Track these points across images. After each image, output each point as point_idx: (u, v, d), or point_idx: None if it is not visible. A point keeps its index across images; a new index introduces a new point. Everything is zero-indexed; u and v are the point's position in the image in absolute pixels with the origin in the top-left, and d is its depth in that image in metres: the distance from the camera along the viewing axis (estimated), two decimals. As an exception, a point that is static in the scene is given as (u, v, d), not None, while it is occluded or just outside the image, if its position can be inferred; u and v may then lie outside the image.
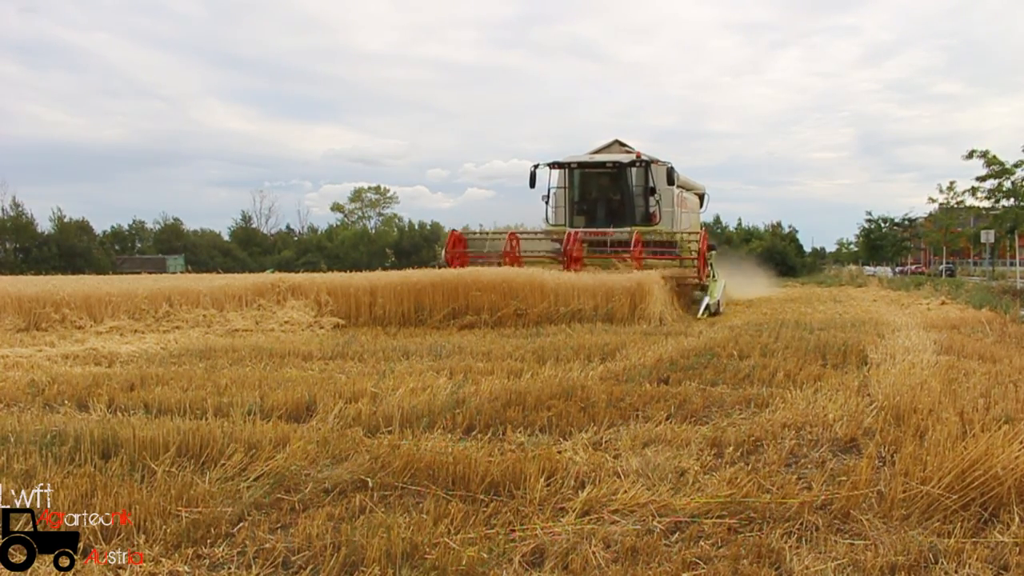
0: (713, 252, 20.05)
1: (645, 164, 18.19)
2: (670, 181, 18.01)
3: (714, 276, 18.26)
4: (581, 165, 18.92)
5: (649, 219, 18.12)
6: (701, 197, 24.45)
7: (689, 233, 18.27)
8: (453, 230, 18.58)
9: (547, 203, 19.14)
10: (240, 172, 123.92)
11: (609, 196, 18.83)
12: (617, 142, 20.19)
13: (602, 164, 18.64)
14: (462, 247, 17.90)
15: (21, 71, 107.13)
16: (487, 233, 18.45)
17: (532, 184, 18.83)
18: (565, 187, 19.03)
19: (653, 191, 18.14)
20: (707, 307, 15.71)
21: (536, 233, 18.62)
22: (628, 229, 17.14)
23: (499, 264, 16.26)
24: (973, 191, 44.35)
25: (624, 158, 18.47)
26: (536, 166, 18.73)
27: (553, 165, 18.70)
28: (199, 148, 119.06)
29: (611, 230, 17.72)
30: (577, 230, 17.52)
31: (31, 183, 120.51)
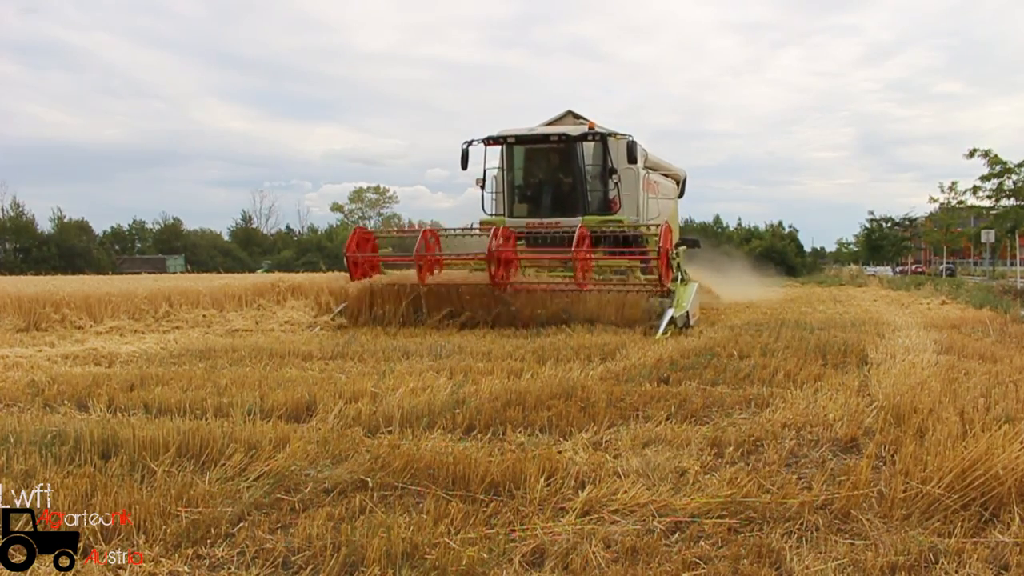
0: (682, 249, 16.70)
1: (600, 138, 14.52)
2: (631, 159, 14.59)
3: (682, 279, 13.76)
4: (520, 140, 14.94)
5: (608, 207, 14.70)
6: (681, 182, 21.12)
7: (649, 226, 14.27)
8: (358, 227, 15.07)
9: (483, 188, 15.36)
10: (240, 172, 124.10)
11: (557, 178, 15.04)
12: (570, 113, 16.22)
13: (546, 138, 14.77)
14: (369, 249, 14.17)
15: (21, 71, 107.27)
16: (414, 228, 14.87)
17: (464, 165, 15.16)
18: (503, 168, 15.23)
19: (613, 172, 14.65)
20: (672, 322, 11.59)
21: (464, 230, 14.48)
22: (580, 220, 13.73)
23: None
24: (975, 190, 44.42)
25: (573, 130, 14.65)
26: (468, 143, 14.97)
27: (489, 141, 14.89)
28: (199, 148, 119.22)
29: (557, 220, 14.18)
30: (505, 225, 13.58)
31: (31, 183, 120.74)
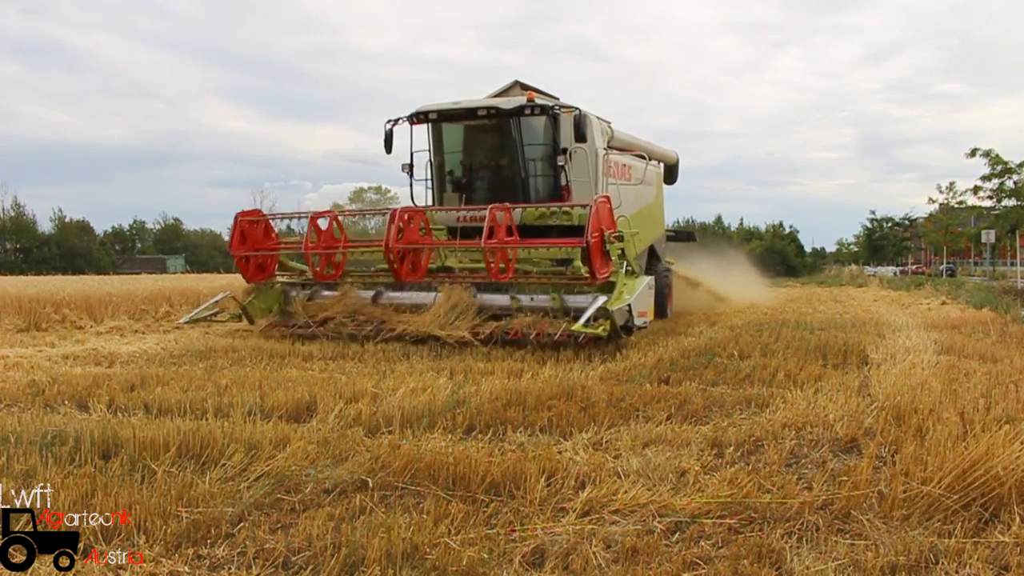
0: (620, 241, 11.32)
1: (543, 111, 11.80)
2: (579, 136, 11.69)
3: (628, 272, 10.71)
4: (444, 116, 12.39)
5: (560, 194, 12.10)
6: (673, 166, 18.04)
7: (575, 205, 11.60)
8: (240, 212, 11.55)
9: (410, 175, 12.92)
10: (240, 172, 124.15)
11: (493, 161, 12.57)
12: (517, 84, 13.45)
13: (473, 112, 12.20)
14: (261, 235, 11.50)
15: (22, 71, 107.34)
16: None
17: (388, 148, 12.96)
18: (430, 150, 12.81)
19: (565, 152, 12.04)
20: (607, 316, 8.98)
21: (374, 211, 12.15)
22: (520, 210, 11.41)
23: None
24: (975, 190, 44.42)
25: (508, 102, 12.00)
26: (392, 121, 12.68)
27: (413, 118, 12.56)
28: (199, 148, 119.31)
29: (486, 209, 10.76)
30: (411, 209, 11.35)
31: (31, 183, 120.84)
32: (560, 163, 12.05)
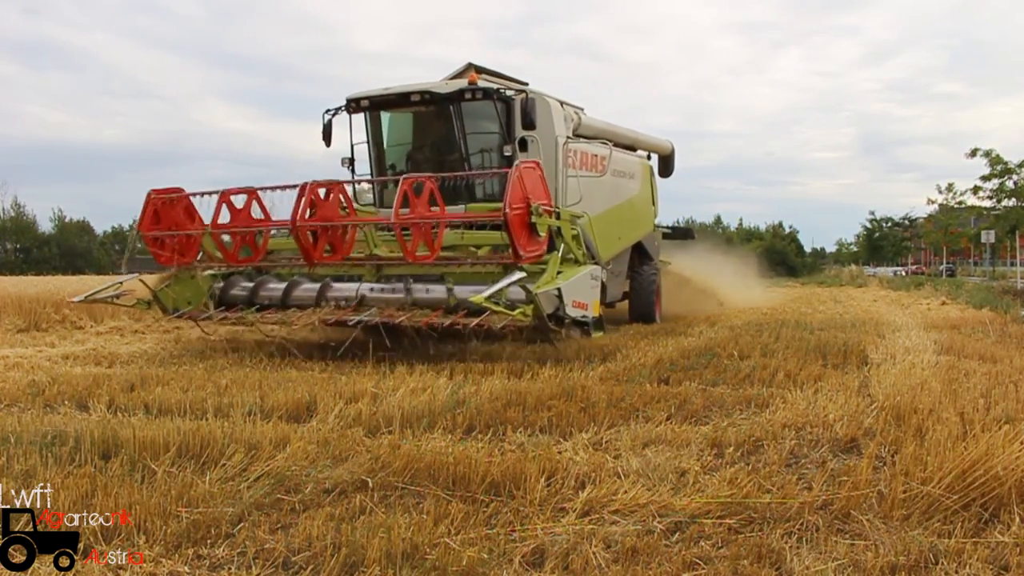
0: (554, 218, 9.55)
1: (489, 96, 10.62)
2: (526, 122, 10.39)
3: (569, 259, 9.45)
4: (376, 103, 11.25)
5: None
6: (665, 160, 16.42)
7: (488, 174, 10.36)
8: (154, 189, 10.03)
9: (351, 170, 11.73)
10: (240, 172, 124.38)
11: (438, 153, 11.34)
12: (471, 66, 11.91)
13: (406, 98, 10.93)
14: (181, 220, 10.01)
15: (22, 71, 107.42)
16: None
17: (327, 140, 11.64)
18: (368, 142, 11.66)
19: (524, 144, 10.67)
20: (531, 300, 7.91)
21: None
22: (463, 207, 10.25)
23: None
24: (975, 190, 44.45)
25: (444, 86, 10.84)
26: (332, 111, 11.55)
27: (349, 107, 11.42)
28: (200, 148, 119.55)
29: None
30: (329, 183, 9.62)
31: (31, 183, 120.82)
32: (507, 153, 10.59)
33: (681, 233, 19.00)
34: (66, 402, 6.06)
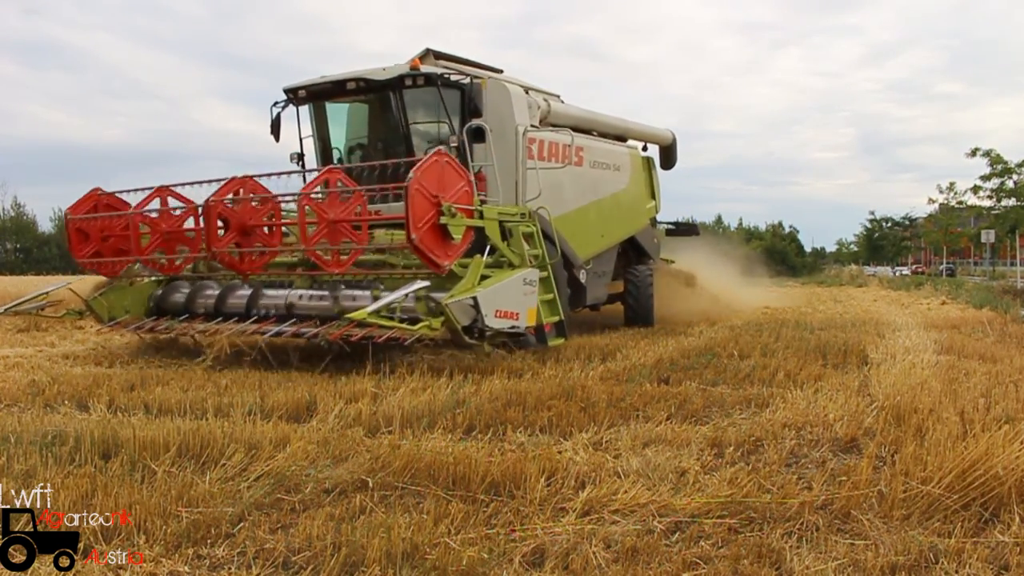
0: (475, 217, 8.46)
1: (432, 82, 9.66)
2: (471, 111, 9.59)
3: (503, 262, 8.63)
4: (314, 92, 10.37)
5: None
6: (667, 150, 15.18)
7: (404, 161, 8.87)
8: (70, 208, 9.92)
9: (300, 165, 10.88)
10: (240, 172, 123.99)
11: (385, 147, 10.34)
12: (430, 52, 10.83)
13: (342, 86, 10.03)
14: (116, 225, 9.70)
15: (22, 71, 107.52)
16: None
17: (275, 135, 10.79)
18: (314, 135, 10.88)
19: (480, 134, 9.69)
20: (439, 311, 7.39)
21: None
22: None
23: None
24: (975, 190, 44.48)
25: (382, 72, 9.76)
26: (281, 104, 10.67)
27: (289, 98, 10.56)
28: (200, 148, 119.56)
29: (378, 209, 9.16)
30: (253, 180, 8.99)
31: (31, 183, 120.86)
32: (453, 144, 9.57)
33: (685, 229, 17.74)
34: (66, 402, 6.06)
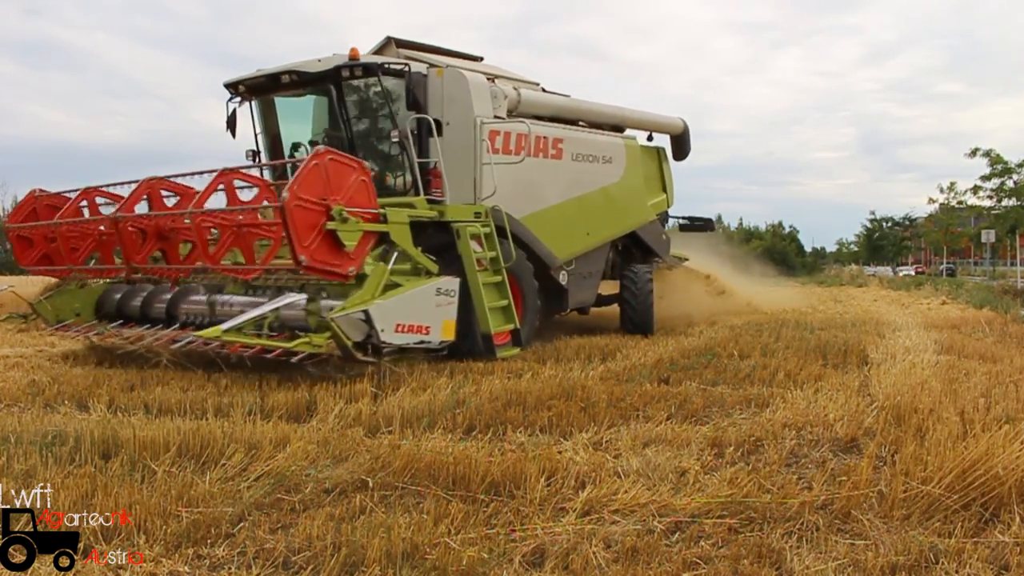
0: (378, 221, 7.73)
1: (372, 72, 8.91)
2: (410, 103, 8.87)
3: (415, 269, 7.97)
4: (250, 88, 9.78)
5: (426, 183, 9.03)
6: (678, 140, 14.18)
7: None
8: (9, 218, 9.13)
9: (257, 161, 10.31)
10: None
11: (330, 144, 9.23)
12: (392, 41, 10.26)
13: (276, 79, 9.41)
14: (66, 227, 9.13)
15: (22, 71, 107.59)
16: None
17: (232, 131, 10.11)
18: (264, 131, 10.25)
19: (438, 127, 9.18)
20: (327, 328, 6.76)
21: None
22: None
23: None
24: (975, 190, 44.50)
25: (315, 65, 9.11)
26: (237, 100, 10.04)
27: (232, 93, 9.93)
28: (200, 148, 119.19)
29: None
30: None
31: (31, 183, 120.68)
32: (395, 138, 8.97)
33: (700, 225, 16.12)
34: (66, 402, 6.06)
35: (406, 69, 9.04)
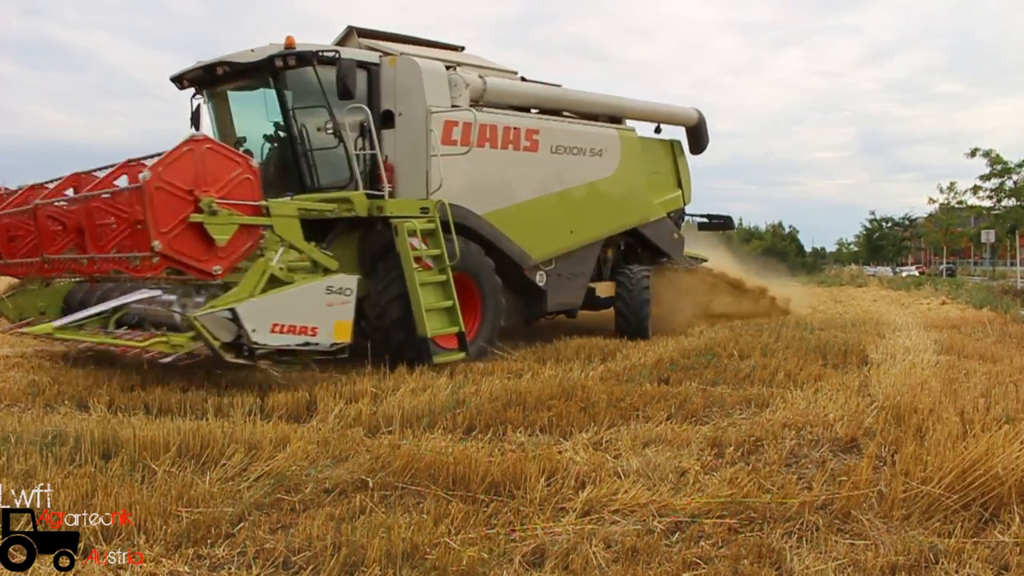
0: (258, 214, 7.05)
1: (307, 62, 8.44)
2: (341, 91, 8.23)
3: (312, 267, 7.47)
4: (191, 81, 9.44)
5: (374, 178, 8.68)
6: (694, 131, 13.35)
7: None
8: None
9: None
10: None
11: (278, 137, 9.29)
12: (353, 30, 9.83)
13: (213, 72, 9.00)
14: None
15: (23, 71, 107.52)
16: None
17: (195, 126, 9.71)
18: (213, 125, 9.84)
19: (389, 118, 8.88)
20: (193, 325, 6.28)
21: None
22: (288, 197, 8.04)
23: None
24: (975, 190, 44.51)
25: (248, 56, 8.70)
26: (201, 96, 9.69)
27: (179, 86, 9.55)
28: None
29: None
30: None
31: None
32: (329, 131, 8.61)
33: (719, 223, 15.10)
34: (66, 402, 6.06)
35: (336, 56, 8.46)
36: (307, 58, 8.43)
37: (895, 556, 3.12)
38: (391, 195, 8.58)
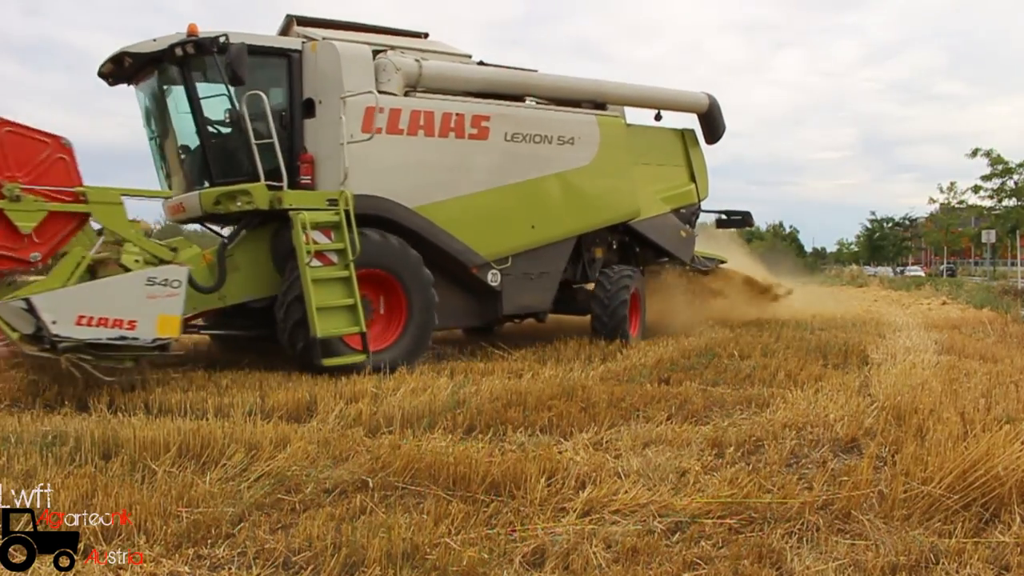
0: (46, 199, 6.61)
1: (207, 50, 7.99)
2: (231, 76, 7.83)
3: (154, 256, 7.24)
4: (105, 75, 8.92)
5: (291, 172, 8.11)
6: (707, 119, 12.32)
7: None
8: None
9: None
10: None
11: (189, 130, 8.76)
12: (293, 20, 9.31)
13: (120, 64, 8.57)
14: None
15: (23, 71, 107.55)
16: None
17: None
18: (144, 120, 9.38)
19: (311, 107, 8.49)
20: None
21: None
22: (195, 194, 8.24)
23: None
24: (976, 190, 44.54)
25: (148, 46, 8.33)
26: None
27: (107, 82, 9.05)
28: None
29: (181, 201, 8.63)
30: None
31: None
32: (229, 119, 8.24)
33: (738, 219, 14.12)
34: (66, 402, 6.06)
35: (224, 37, 7.94)
36: (205, 46, 7.95)
37: (896, 556, 3.12)
38: (312, 188, 8.12)
